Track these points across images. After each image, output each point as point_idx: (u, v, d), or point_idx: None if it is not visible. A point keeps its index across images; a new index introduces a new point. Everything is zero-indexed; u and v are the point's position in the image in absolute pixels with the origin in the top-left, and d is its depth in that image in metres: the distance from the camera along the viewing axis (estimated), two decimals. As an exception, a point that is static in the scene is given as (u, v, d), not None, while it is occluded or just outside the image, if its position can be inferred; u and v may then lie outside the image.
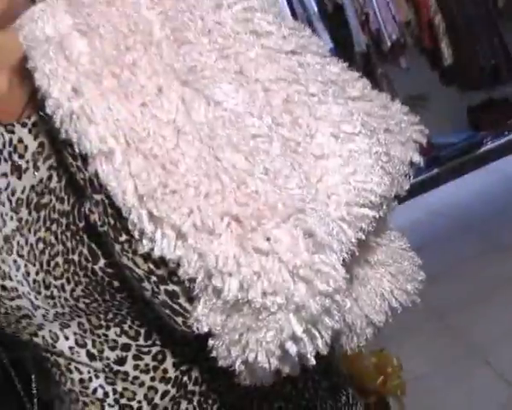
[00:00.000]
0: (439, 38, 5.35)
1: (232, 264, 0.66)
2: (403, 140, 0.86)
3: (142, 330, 0.90)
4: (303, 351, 0.68)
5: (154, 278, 0.74)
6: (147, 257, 0.73)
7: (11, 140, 0.89)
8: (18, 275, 0.89)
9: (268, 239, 0.66)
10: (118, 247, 0.75)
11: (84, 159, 0.74)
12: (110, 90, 0.70)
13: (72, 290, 0.85)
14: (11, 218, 0.90)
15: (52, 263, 0.86)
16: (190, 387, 0.92)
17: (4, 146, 0.90)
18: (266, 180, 0.68)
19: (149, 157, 0.69)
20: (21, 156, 0.89)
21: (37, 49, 0.72)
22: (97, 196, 0.75)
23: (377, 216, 0.76)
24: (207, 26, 0.74)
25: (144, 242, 0.71)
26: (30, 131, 0.88)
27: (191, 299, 0.72)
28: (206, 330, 0.70)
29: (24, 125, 0.89)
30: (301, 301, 0.65)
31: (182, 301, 0.74)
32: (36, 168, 0.88)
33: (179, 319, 0.75)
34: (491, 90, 5.57)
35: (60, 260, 0.85)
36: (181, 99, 0.70)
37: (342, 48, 5.03)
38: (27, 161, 0.89)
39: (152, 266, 0.73)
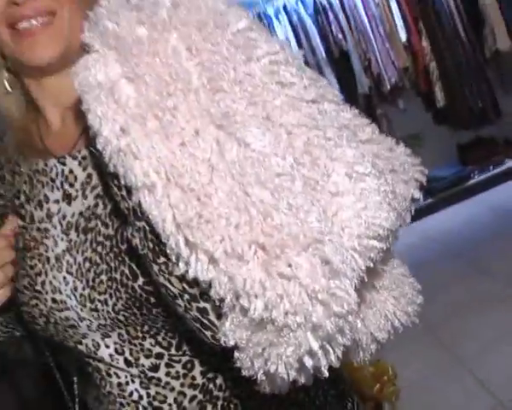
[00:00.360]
0: (434, 82, 5.35)
1: (258, 287, 0.67)
2: (406, 179, 0.87)
3: (174, 342, 0.91)
4: (318, 364, 0.69)
5: (187, 296, 0.75)
6: (181, 278, 0.74)
7: (63, 171, 0.92)
8: (67, 290, 0.91)
9: (290, 266, 0.67)
10: (156, 268, 0.77)
11: (129, 190, 0.75)
12: (153, 130, 0.72)
13: (114, 305, 0.87)
14: (62, 239, 0.92)
15: (97, 280, 0.88)
16: (215, 392, 0.93)
17: (57, 176, 0.92)
18: (289, 214, 0.69)
19: (187, 190, 0.70)
20: (72, 185, 0.91)
21: (90, 93, 0.74)
22: (139, 223, 0.76)
23: (384, 247, 0.77)
24: (239, 77, 0.75)
25: (180, 265, 0.72)
26: (79, 164, 0.91)
27: (220, 315, 0.73)
28: (232, 343, 0.71)
29: (74, 157, 0.91)
30: (318, 321, 0.66)
31: (211, 317, 0.75)
32: (84, 196, 0.90)
33: (208, 333, 0.77)
34: (478, 129, 5.56)
35: (104, 277, 0.87)
36: (215, 140, 0.71)
37: (347, 89, 5.03)
38: (77, 190, 0.91)
39: (186, 286, 0.75)
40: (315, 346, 0.67)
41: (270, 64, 0.78)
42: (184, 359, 0.92)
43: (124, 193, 0.77)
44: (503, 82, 5.59)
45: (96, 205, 0.89)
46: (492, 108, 5.40)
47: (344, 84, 5.12)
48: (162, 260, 0.76)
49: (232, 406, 0.94)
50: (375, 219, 0.75)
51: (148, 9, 0.76)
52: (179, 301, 0.76)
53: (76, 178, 0.91)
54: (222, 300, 0.70)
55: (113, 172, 0.75)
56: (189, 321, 0.78)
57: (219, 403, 0.93)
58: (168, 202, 0.70)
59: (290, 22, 5.18)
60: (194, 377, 0.92)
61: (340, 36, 5.25)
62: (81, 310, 0.90)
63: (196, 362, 0.92)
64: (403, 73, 5.35)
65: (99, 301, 0.88)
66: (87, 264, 0.89)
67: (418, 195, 0.89)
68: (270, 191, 0.70)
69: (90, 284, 0.89)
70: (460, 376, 3.06)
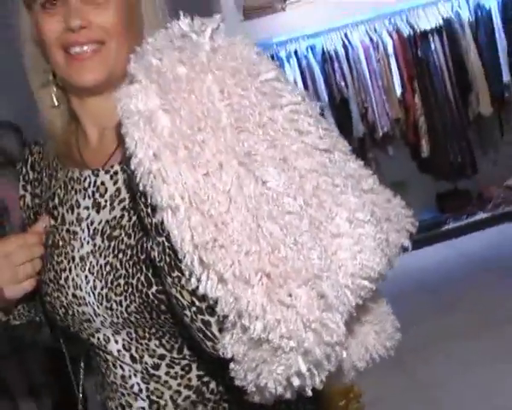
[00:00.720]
0: (421, 135, 5.38)
1: (260, 310, 0.68)
2: (398, 228, 0.88)
3: (177, 346, 0.92)
4: (303, 384, 0.71)
5: (194, 309, 0.76)
6: (192, 292, 0.75)
7: (95, 182, 0.93)
8: (87, 287, 0.92)
9: (290, 295, 0.68)
10: (169, 280, 0.77)
11: (153, 208, 0.76)
12: (182, 159, 0.72)
13: (128, 306, 0.88)
14: (88, 242, 0.93)
15: (115, 283, 0.89)
16: (207, 395, 0.93)
17: (89, 186, 0.93)
18: (295, 249, 0.70)
19: (206, 216, 0.71)
20: (102, 196, 0.92)
21: (130, 118, 0.75)
22: (159, 238, 0.77)
23: (374, 288, 0.78)
24: (263, 121, 0.76)
25: (192, 280, 0.73)
26: (111, 178, 0.92)
27: (221, 329, 0.75)
28: (230, 356, 0.72)
29: (107, 172, 0.92)
30: (309, 347, 0.68)
31: (214, 329, 0.76)
32: (112, 207, 0.91)
33: (209, 343, 0.77)
34: (456, 181, 5.59)
35: (121, 281, 0.88)
36: (236, 175, 0.72)
37: (344, 132, 5.03)
38: (106, 200, 0.92)
39: (194, 300, 0.75)
40: (303, 368, 0.69)
41: (291, 112, 0.79)
42: (184, 362, 0.92)
43: (149, 210, 0.78)
44: (481, 143, 5.63)
45: (122, 216, 0.90)
46: (470, 165, 5.43)
47: (342, 127, 5.14)
48: (176, 273, 0.76)
49: (221, 408, 0.94)
50: (368, 262, 0.76)
51: (189, 51, 0.76)
52: (187, 312, 0.77)
53: (106, 190, 0.92)
54: (225, 316, 0.71)
55: (142, 190, 0.76)
56: (193, 330, 0.79)
57: (210, 405, 0.93)
58: (188, 224, 0.71)
59: (299, 66, 5.20)
60: (190, 379, 0.93)
61: (343, 84, 5.28)
62: (97, 307, 0.91)
63: (194, 366, 0.92)
64: (395, 123, 5.38)
65: (114, 301, 0.89)
66: (108, 267, 0.90)
67: (407, 243, 0.90)
68: (280, 227, 0.70)
69: (109, 285, 0.90)
70: (421, 400, 3.07)
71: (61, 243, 0.96)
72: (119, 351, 0.94)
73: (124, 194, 0.91)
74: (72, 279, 0.94)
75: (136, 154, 0.74)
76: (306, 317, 0.68)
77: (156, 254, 0.79)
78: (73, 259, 0.94)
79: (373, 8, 5.03)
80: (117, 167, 0.92)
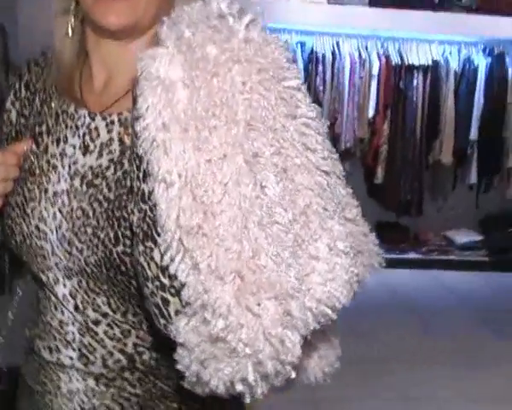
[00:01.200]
0: (379, 161, 5.48)
1: (225, 309, 0.68)
2: (366, 264, 0.90)
3: (123, 309, 0.91)
4: (245, 392, 0.71)
5: (157, 283, 0.75)
6: (160, 267, 0.74)
7: (89, 124, 0.90)
8: (52, 224, 0.90)
9: (259, 305, 0.69)
10: (141, 248, 0.76)
11: (145, 175, 0.75)
12: (190, 138, 0.72)
13: (88, 257, 0.86)
14: (66, 180, 0.90)
15: (82, 229, 0.87)
16: (138, 364, 0.93)
17: (82, 126, 0.91)
18: (275, 261, 0.70)
19: (197, 201, 0.70)
20: (92, 140, 0.90)
21: (148, 81, 0.73)
22: (143, 205, 0.76)
23: (334, 318, 0.78)
24: (275, 126, 0.76)
25: (165, 258, 0.72)
26: (106, 125, 0.89)
27: (178, 311, 0.73)
28: (181, 341, 0.72)
29: (104, 118, 0.90)
30: (263, 359, 0.68)
31: (171, 309, 0.75)
32: (99, 155, 0.89)
33: (162, 321, 0.76)
34: (399, 216, 5.71)
35: (89, 230, 0.86)
36: (238, 171, 0.71)
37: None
38: (95, 146, 0.90)
39: (160, 275, 0.74)
40: (251, 377, 0.69)
41: (303, 125, 0.79)
42: (125, 326, 0.91)
43: (141, 175, 0.76)
44: (433, 188, 5.77)
45: (108, 167, 0.88)
46: (417, 205, 5.57)
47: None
48: (150, 244, 0.75)
49: (146, 380, 0.94)
50: (336, 292, 0.77)
51: (223, 34, 0.75)
52: (149, 284, 0.76)
53: (98, 135, 0.90)
54: (188, 303, 0.71)
55: (140, 154, 0.75)
56: (150, 303, 0.77)
57: (137, 374, 0.93)
58: (179, 203, 0.71)
59: (285, 57, 5.19)
60: (125, 345, 0.92)
61: (321, 88, 5.31)
62: (57, 247, 0.89)
63: (133, 333, 0.92)
64: (358, 142, 5.45)
65: (76, 247, 0.87)
66: (79, 212, 0.88)
67: (368, 278, 0.91)
68: (266, 235, 0.71)
69: (75, 230, 0.87)
70: None
71: (37, 172, 0.93)
72: (64, 296, 0.92)
73: (115, 146, 0.89)
74: (40, 211, 0.91)
75: (145, 117, 0.73)
76: (269, 330, 0.68)
77: (135, 218, 0.78)
78: (46, 191, 0.91)
79: (371, 28, 5.06)
80: (115, 117, 0.89)
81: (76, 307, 0.92)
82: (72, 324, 0.93)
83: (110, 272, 0.86)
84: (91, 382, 0.93)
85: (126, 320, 0.91)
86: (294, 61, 0.81)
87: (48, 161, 0.93)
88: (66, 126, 0.93)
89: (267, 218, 0.71)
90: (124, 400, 0.93)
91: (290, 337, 0.69)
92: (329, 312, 0.77)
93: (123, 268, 0.85)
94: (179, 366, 0.73)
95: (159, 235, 0.74)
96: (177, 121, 0.72)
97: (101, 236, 0.85)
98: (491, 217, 5.83)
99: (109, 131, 0.89)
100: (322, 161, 0.80)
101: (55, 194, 0.91)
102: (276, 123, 0.77)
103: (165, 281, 0.74)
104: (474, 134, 5.35)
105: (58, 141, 0.93)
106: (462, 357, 3.87)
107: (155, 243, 0.75)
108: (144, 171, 0.75)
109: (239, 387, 0.70)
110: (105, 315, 0.91)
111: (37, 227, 0.91)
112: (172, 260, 0.71)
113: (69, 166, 0.91)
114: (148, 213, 0.76)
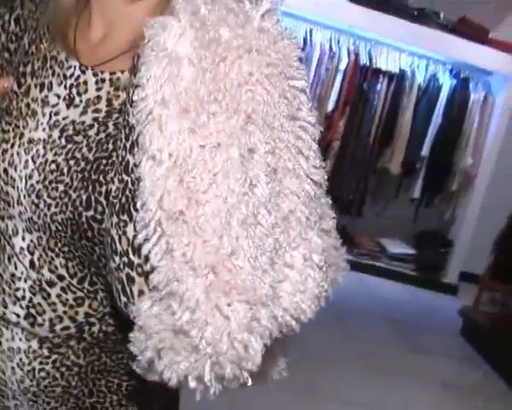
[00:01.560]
0: (329, 155, 5.50)
1: (194, 303, 0.66)
2: (332, 277, 0.88)
3: (80, 275, 0.87)
4: (196, 389, 0.68)
5: (125, 259, 0.72)
6: (131, 243, 0.72)
7: (78, 77, 0.85)
8: (22, 172, 0.84)
9: (229, 305, 0.66)
10: (115, 219, 0.73)
11: (133, 145, 0.72)
12: (187, 120, 0.69)
13: (55, 214, 0.82)
14: (44, 129, 0.85)
15: (53, 185, 0.82)
16: (85, 335, 0.89)
17: (70, 77, 0.86)
18: (252, 265, 0.68)
19: (184, 186, 0.68)
20: (79, 94, 0.85)
21: (154, 51, 0.70)
22: (125, 177, 0.73)
23: (297, 330, 0.77)
24: (274, 124, 0.74)
25: (140, 236, 0.69)
26: (96, 83, 0.85)
27: (142, 292, 0.71)
28: (140, 324, 0.69)
29: (95, 74, 0.85)
30: (223, 361, 0.66)
31: (134, 289, 0.72)
32: (84, 111, 0.84)
33: (123, 299, 0.73)
34: (337, 213, 5.74)
35: (61, 187, 0.81)
36: (230, 163, 0.69)
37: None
38: (81, 101, 0.85)
39: (130, 251, 0.72)
40: (206, 377, 0.67)
41: (301, 129, 0.77)
42: (79, 294, 0.88)
43: (128, 145, 0.73)
44: (376, 194, 5.87)
45: (91, 126, 0.83)
46: (357, 207, 5.65)
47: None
48: (125, 217, 0.72)
49: (91, 351, 0.91)
50: (304, 305, 0.76)
51: (239, 19, 0.73)
52: (116, 258, 0.73)
53: (86, 91, 0.85)
54: (156, 288, 0.68)
55: (132, 124, 0.72)
56: (113, 278, 0.74)
57: (83, 344, 0.90)
58: (164, 183, 0.68)
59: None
60: (77, 313, 0.88)
61: (286, 72, 5.28)
62: (24, 197, 0.84)
63: (87, 302, 0.88)
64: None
65: (44, 201, 0.82)
66: (53, 166, 0.83)
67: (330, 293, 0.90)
68: (248, 235, 0.69)
69: (46, 183, 0.82)
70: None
71: (14, 113, 0.87)
72: (21, 249, 0.87)
73: (102, 105, 0.84)
74: (11, 155, 0.85)
75: (145, 88, 0.69)
76: (234, 334, 0.65)
77: (114, 188, 0.74)
78: (21, 136, 0.86)
79: (347, 23, 5.06)
80: (106, 76, 0.84)
81: (31, 264, 0.87)
82: (25, 280, 0.88)
83: (75, 235, 0.82)
84: (34, 344, 0.89)
85: (82, 288, 0.88)
86: (303, 60, 0.79)
87: (28, 105, 0.88)
88: (53, 73, 0.87)
89: (252, 218, 0.69)
90: (65, 368, 0.90)
91: (254, 344, 0.67)
92: (293, 323, 0.76)
93: (89, 234, 0.81)
94: (134, 349, 0.71)
95: (136, 210, 0.71)
96: (177, 99, 0.69)
97: (73, 196, 0.80)
98: (426, 234, 5.98)
99: (98, 89, 0.85)
100: (313, 169, 0.79)
101: (30, 141, 0.85)
102: (275, 121, 0.75)
103: (134, 259, 0.72)
104: (425, 151, 5.45)
105: (42, 86, 0.88)
106: (376, 364, 3.97)
107: (131, 217, 0.72)
108: (133, 142, 0.72)
109: (192, 384, 0.68)
110: (61, 278, 0.87)
111: (5, 171, 0.86)
112: (147, 240, 0.69)
113: (50, 116, 0.86)
114: (129, 185, 0.73)
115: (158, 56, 0.70)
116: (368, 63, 5.30)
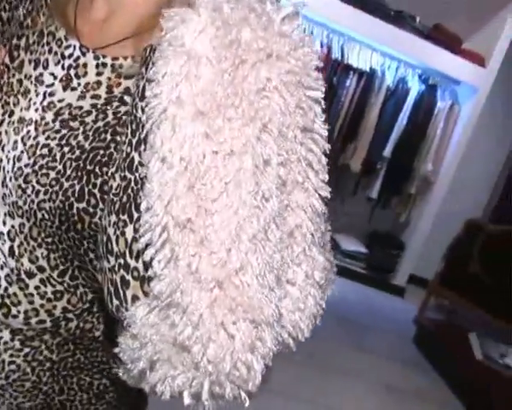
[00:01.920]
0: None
1: (197, 317, 0.63)
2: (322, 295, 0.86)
3: (62, 268, 0.82)
4: (190, 405, 0.65)
5: (121, 261, 0.68)
6: (129, 245, 0.68)
7: (78, 58, 0.80)
8: (10, 153, 0.79)
9: (234, 323, 0.63)
10: (113, 218, 0.69)
11: (140, 142, 0.68)
12: (201, 123, 0.65)
13: (42, 201, 0.76)
14: (36, 109, 0.80)
15: (44, 170, 0.77)
16: (61, 330, 0.85)
17: (69, 57, 0.80)
18: (260, 282, 0.65)
19: (194, 193, 0.64)
20: (77, 77, 0.80)
21: (172, 45, 0.66)
22: (129, 174, 0.69)
23: (293, 349, 0.75)
24: (288, 135, 0.71)
25: (142, 239, 0.66)
26: (97, 66, 0.79)
27: (136, 297, 0.68)
28: (135, 332, 0.66)
29: (96, 57, 0.79)
30: (224, 382, 0.63)
31: (128, 293, 0.68)
32: (82, 95, 0.79)
33: (115, 302, 0.69)
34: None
35: (52, 174, 0.76)
36: (243, 173, 0.66)
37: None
38: (79, 84, 0.80)
39: (127, 254, 0.68)
40: (204, 396, 0.64)
41: (312, 141, 0.75)
42: (59, 287, 0.83)
43: (134, 141, 0.69)
44: (334, 189, 5.81)
45: (89, 113, 0.78)
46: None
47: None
48: (125, 217, 0.68)
49: (66, 347, 0.87)
50: (302, 323, 0.74)
51: (262, 21, 0.69)
52: (111, 259, 0.69)
53: (86, 74, 0.79)
54: (157, 297, 0.65)
55: (141, 119, 0.68)
56: (106, 279, 0.70)
57: (58, 339, 0.86)
58: (173, 188, 0.64)
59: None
60: (55, 307, 0.84)
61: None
62: (10, 179, 0.78)
63: (66, 297, 0.84)
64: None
65: (32, 186, 0.77)
66: (45, 150, 0.77)
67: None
68: (257, 250, 0.66)
69: (36, 168, 0.77)
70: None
71: (5, 89, 0.81)
72: (1, 234, 0.81)
73: (101, 92, 0.78)
74: None
75: (160, 84, 0.65)
76: (238, 354, 0.62)
77: (115, 185, 0.70)
78: (11, 114, 0.80)
79: (321, 15, 5.03)
80: (108, 60, 0.79)
81: (11, 251, 0.82)
82: (1, 268, 0.83)
83: (63, 226, 0.77)
84: (6, 335, 0.84)
85: (62, 281, 0.83)
86: (321, 70, 0.77)
87: (20, 81, 0.82)
88: (50, 51, 0.81)
89: (262, 234, 0.66)
90: (37, 363, 0.86)
91: (255, 366, 0.64)
92: (291, 341, 0.74)
93: (79, 226, 0.76)
94: (124, 357, 0.67)
95: (138, 211, 0.67)
96: (193, 100, 0.65)
97: (65, 185, 0.75)
98: (381, 234, 6.05)
99: (99, 74, 0.80)
100: (321, 183, 0.76)
101: (20, 120, 0.80)
102: (289, 132, 0.72)
103: (131, 261, 0.68)
104: (387, 151, 5.48)
105: (37, 63, 0.82)
106: (322, 361, 3.99)
107: (132, 218, 0.68)
108: (140, 139, 0.69)
109: (187, 400, 0.65)
110: (41, 269, 0.82)
111: None
112: (150, 245, 0.65)
113: (44, 96, 0.80)
114: (132, 184, 0.69)
115: (176, 52, 0.66)
116: (339, 58, 5.28)
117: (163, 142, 0.65)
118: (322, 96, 0.76)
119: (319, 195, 0.76)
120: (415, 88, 5.40)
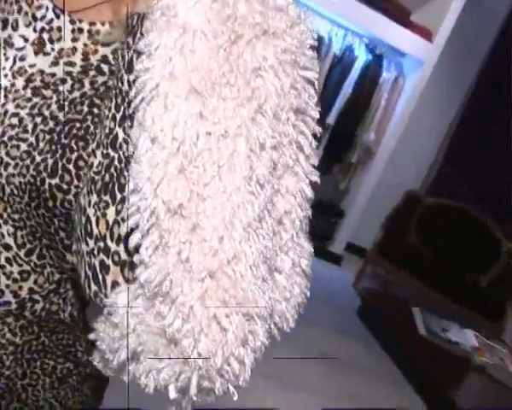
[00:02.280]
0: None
1: (187, 310, 0.59)
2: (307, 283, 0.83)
3: (29, 247, 0.77)
4: (176, 400, 0.62)
5: (101, 244, 0.64)
6: (110, 227, 0.64)
7: (51, 21, 0.73)
8: None
9: (227, 317, 0.60)
10: (94, 199, 0.64)
11: (124, 117, 0.64)
12: (195, 101, 0.61)
13: (11, 175, 0.70)
14: (6, 75, 0.73)
15: (14, 142, 0.70)
16: (26, 313, 0.80)
17: (42, 19, 0.74)
18: (253, 273, 0.62)
19: (186, 175, 0.60)
20: (51, 41, 0.73)
21: (165, 16, 0.61)
22: (112, 152, 0.64)
23: (277, 339, 0.72)
24: (281, 117, 0.67)
25: (128, 223, 0.61)
26: (72, 32, 0.73)
27: (116, 283, 0.64)
28: (116, 321, 0.61)
29: (72, 22, 0.73)
30: (214, 376, 0.60)
31: (108, 278, 0.64)
32: (55, 62, 0.73)
33: (94, 288, 0.65)
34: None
35: (23, 146, 0.70)
36: (237, 156, 0.62)
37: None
38: (52, 49, 0.73)
39: (108, 236, 0.64)
40: (192, 390, 0.60)
41: (303, 124, 0.71)
42: (26, 267, 0.78)
43: (118, 116, 0.64)
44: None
45: (64, 81, 0.72)
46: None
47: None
48: (107, 198, 0.64)
49: (30, 330, 0.82)
50: (288, 313, 0.72)
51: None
52: (90, 242, 0.64)
53: (59, 40, 0.72)
54: (142, 285, 0.61)
55: (128, 91, 0.63)
56: (83, 262, 0.66)
57: (22, 321, 0.80)
58: (164, 169, 0.60)
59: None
60: (21, 288, 0.78)
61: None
62: None
63: (32, 278, 0.78)
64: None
65: (1, 158, 0.70)
66: (15, 120, 0.71)
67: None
68: (250, 239, 0.62)
69: (5, 138, 0.70)
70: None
71: None
72: None
73: (77, 59, 0.72)
74: None
75: (152, 58, 0.61)
76: (230, 348, 0.59)
77: (95, 162, 0.65)
78: None
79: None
80: (85, 26, 0.72)
81: None
82: None
83: (33, 202, 0.72)
84: None
85: (29, 260, 0.78)
86: (318, 50, 0.73)
87: None
88: (20, 10, 0.75)
89: (257, 222, 0.63)
90: None
91: (246, 361, 0.61)
92: (276, 333, 0.71)
93: (50, 203, 0.71)
94: (102, 346, 0.63)
95: (121, 192, 0.63)
96: (188, 77, 0.61)
97: (37, 159, 0.70)
98: (320, 203, 6.08)
99: (74, 40, 0.73)
100: (312, 168, 0.73)
101: None
102: (283, 114, 0.68)
103: (111, 245, 0.64)
104: (331, 119, 5.48)
105: (5, 23, 0.75)
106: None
107: (114, 199, 0.63)
108: (125, 114, 0.64)
109: (173, 394, 0.61)
110: (7, 247, 0.76)
111: None
112: (138, 230, 0.61)
113: (14, 60, 0.73)
114: (116, 163, 0.64)
115: (169, 23, 0.61)
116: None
117: (154, 120, 0.60)
118: (317, 76, 0.72)
119: (309, 180, 0.73)
120: (361, 57, 5.40)
